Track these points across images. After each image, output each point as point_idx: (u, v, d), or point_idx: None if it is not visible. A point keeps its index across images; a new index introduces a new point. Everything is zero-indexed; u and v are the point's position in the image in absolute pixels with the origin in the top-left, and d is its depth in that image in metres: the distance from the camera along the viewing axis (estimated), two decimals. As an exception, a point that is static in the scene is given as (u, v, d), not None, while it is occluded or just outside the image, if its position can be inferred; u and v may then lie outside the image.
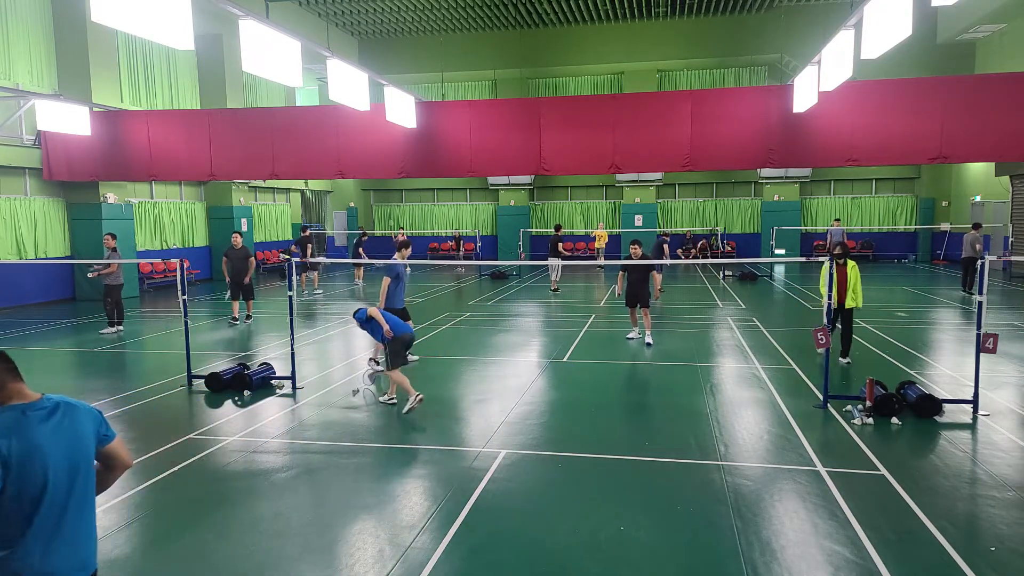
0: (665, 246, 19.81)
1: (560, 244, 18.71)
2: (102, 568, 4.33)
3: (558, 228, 19.59)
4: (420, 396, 7.42)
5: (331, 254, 29.35)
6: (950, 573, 4.17)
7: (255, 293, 14.13)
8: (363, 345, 11.94)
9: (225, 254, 13.86)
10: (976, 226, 17.01)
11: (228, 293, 14.04)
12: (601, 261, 10.53)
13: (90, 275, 13.51)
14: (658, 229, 29.07)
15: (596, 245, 23.86)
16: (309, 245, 19.30)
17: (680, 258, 20.06)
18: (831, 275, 7.75)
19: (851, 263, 9.31)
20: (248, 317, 13.84)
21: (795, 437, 6.59)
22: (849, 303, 9.30)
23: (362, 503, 5.27)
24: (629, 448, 6.37)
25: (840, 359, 9.53)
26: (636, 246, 11.14)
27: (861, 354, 10.21)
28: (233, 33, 20.11)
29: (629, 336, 11.61)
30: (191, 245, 22.13)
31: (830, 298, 7.79)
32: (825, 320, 7.54)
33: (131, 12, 7.03)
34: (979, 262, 7.17)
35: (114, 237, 13.19)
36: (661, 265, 18.33)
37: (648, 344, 10.90)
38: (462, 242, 29.02)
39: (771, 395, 8.07)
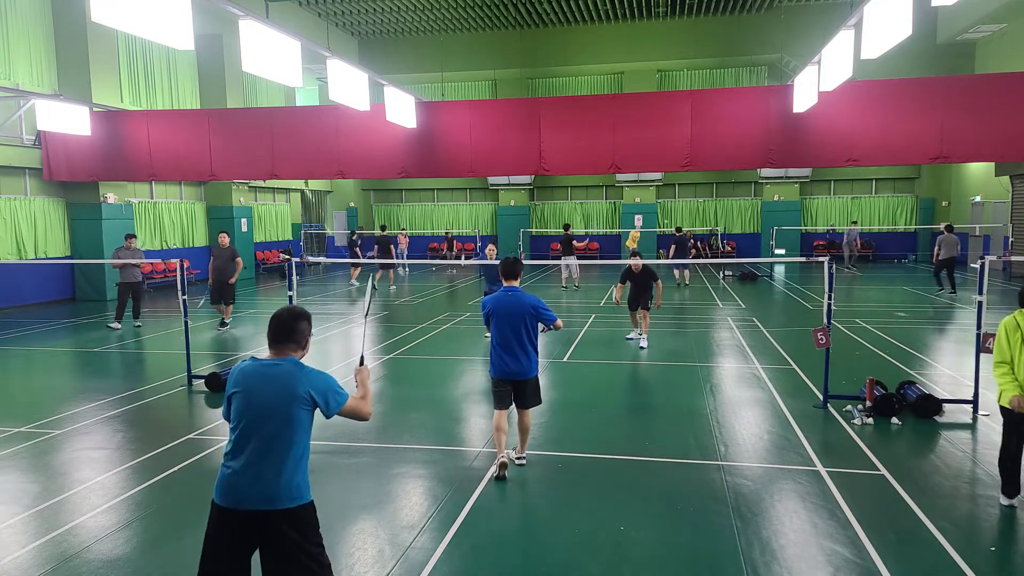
0: (689, 243, 20.40)
1: (573, 242, 18.87)
2: (102, 569, 4.34)
3: (567, 227, 19.66)
4: (504, 461, 5.70)
5: (331, 254, 29.39)
6: (950, 573, 4.17)
7: (235, 297, 13.40)
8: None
9: (212, 253, 13.32)
10: (949, 228, 17.21)
11: (207, 298, 13.33)
12: (639, 261, 10.53)
13: (133, 265, 13.07)
14: (658, 229, 29.08)
15: (629, 245, 23.79)
16: (392, 245, 20.33)
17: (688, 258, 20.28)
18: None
19: None
20: (223, 323, 13.11)
21: (795, 437, 6.59)
22: None
23: (362, 503, 5.26)
24: (629, 448, 6.37)
25: None
26: (637, 257, 11.14)
27: (861, 354, 10.22)
28: (233, 33, 20.10)
29: (628, 337, 11.64)
30: (191, 245, 22.12)
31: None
32: (825, 320, 7.51)
33: (131, 12, 7.03)
34: (979, 261, 7.17)
35: (135, 237, 13.32)
36: (685, 269, 19.11)
37: (642, 347, 10.89)
38: (455, 242, 29.19)
39: (771, 395, 8.07)
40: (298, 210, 28.31)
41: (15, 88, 16.07)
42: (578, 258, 20.76)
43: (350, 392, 3.31)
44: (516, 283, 5.81)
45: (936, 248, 17.03)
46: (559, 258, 19.36)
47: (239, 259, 13.26)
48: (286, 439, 3.04)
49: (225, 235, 13.48)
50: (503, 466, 5.61)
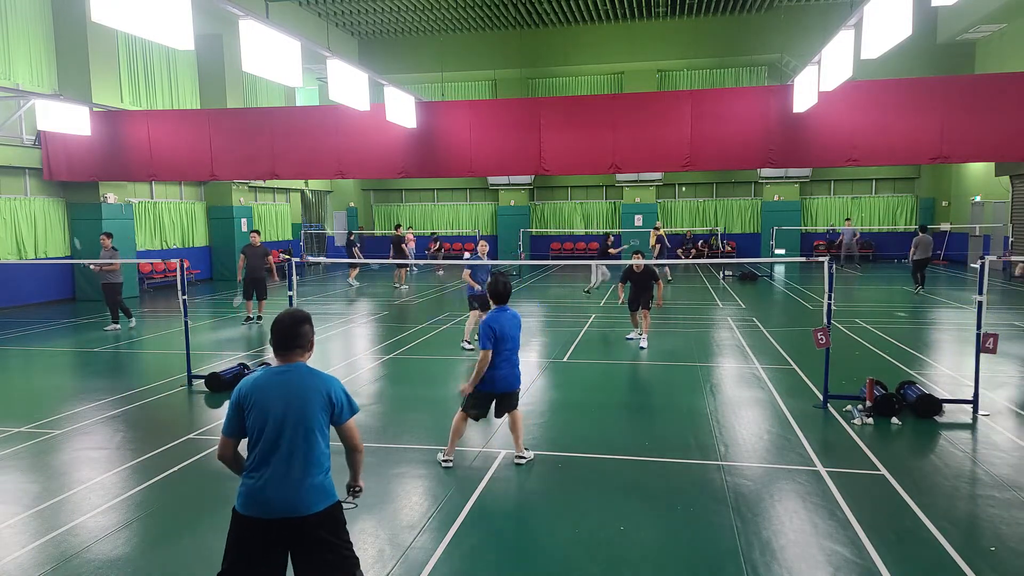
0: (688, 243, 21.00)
1: (610, 250, 19.76)
2: (102, 569, 4.34)
3: (608, 237, 20.53)
4: (450, 461, 5.95)
5: (331, 254, 29.40)
6: (950, 573, 4.17)
7: (267, 293, 13.93)
8: (363, 345, 11.94)
9: (243, 252, 13.71)
10: (923, 228, 17.58)
11: (240, 292, 13.89)
12: (640, 260, 10.54)
13: (92, 267, 13.55)
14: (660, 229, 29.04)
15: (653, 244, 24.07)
16: (403, 245, 21.81)
17: (680, 257, 20.39)
18: None
19: None
20: (259, 318, 13.69)
21: (795, 437, 6.59)
22: None
23: (362, 503, 5.24)
24: (629, 448, 6.37)
25: None
26: (638, 255, 11.13)
27: (861, 354, 10.22)
28: (233, 33, 20.10)
29: (629, 337, 11.64)
30: (191, 245, 22.13)
31: None
32: (825, 320, 7.50)
33: (131, 12, 7.03)
34: (979, 261, 7.18)
35: (110, 236, 13.29)
36: (665, 266, 19.19)
37: (642, 347, 10.89)
38: (440, 242, 29.32)
39: (771, 395, 8.07)
40: (298, 210, 28.31)
41: (15, 88, 16.07)
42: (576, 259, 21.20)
43: None
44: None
45: (912, 249, 17.22)
46: (561, 258, 19.51)
47: (270, 256, 13.88)
48: (309, 443, 3.09)
49: (256, 234, 14.00)
50: (449, 462, 5.92)
